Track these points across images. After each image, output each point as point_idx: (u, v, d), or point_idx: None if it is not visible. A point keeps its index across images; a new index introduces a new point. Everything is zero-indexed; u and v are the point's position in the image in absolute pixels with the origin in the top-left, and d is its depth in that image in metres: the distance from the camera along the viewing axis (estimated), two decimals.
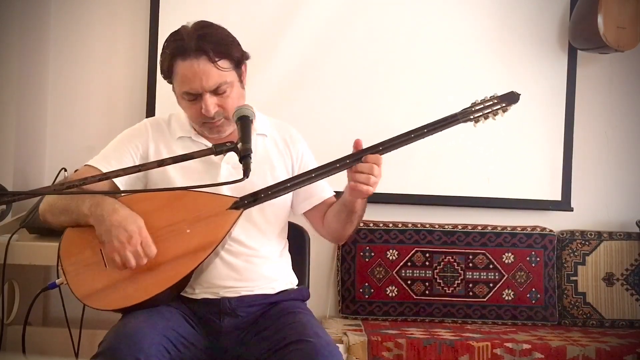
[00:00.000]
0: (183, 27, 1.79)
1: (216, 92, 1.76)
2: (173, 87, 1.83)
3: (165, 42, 1.81)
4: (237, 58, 1.80)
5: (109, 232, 1.63)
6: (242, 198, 1.72)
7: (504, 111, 1.84)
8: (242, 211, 1.72)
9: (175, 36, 1.78)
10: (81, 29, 3.03)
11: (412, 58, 3.06)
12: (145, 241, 1.64)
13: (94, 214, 1.66)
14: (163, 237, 1.67)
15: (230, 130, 1.84)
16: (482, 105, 1.83)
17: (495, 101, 1.84)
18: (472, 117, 1.82)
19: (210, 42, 1.74)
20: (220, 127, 1.82)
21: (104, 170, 1.75)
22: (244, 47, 1.86)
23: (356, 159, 1.70)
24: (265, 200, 1.74)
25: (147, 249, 1.64)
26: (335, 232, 1.91)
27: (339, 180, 1.84)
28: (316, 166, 1.93)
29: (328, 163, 1.74)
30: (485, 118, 1.83)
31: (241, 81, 1.84)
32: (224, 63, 1.76)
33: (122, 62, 3.05)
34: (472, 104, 1.84)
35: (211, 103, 1.76)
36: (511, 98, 1.84)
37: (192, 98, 1.77)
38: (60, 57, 3.02)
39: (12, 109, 2.70)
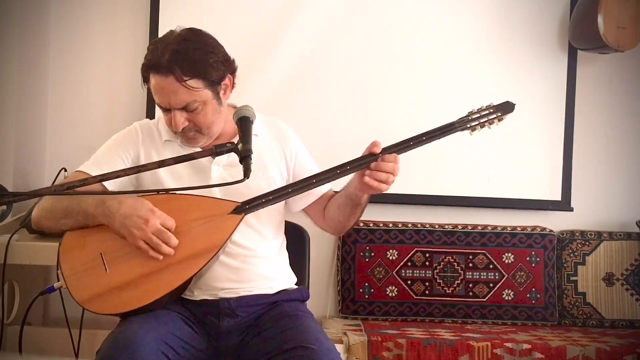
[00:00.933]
0: (168, 32, 1.77)
1: (185, 109, 1.74)
2: None
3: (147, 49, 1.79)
4: (214, 78, 1.75)
5: (124, 225, 1.63)
6: (244, 203, 1.72)
7: (499, 120, 1.87)
8: (244, 216, 1.71)
9: (153, 46, 1.76)
10: (81, 29, 3.03)
11: (412, 58, 3.06)
12: (162, 217, 1.64)
13: (102, 213, 1.66)
14: None
15: (205, 142, 1.81)
16: (478, 115, 1.85)
17: (491, 110, 1.86)
18: (468, 125, 1.84)
19: (181, 61, 1.69)
20: (192, 139, 1.80)
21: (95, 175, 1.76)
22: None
23: (360, 164, 1.71)
24: (268, 205, 1.73)
25: (167, 223, 1.64)
26: (338, 225, 1.92)
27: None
28: (311, 161, 1.95)
29: (328, 170, 1.75)
30: (481, 127, 1.85)
31: (219, 98, 1.79)
32: (194, 82, 1.71)
33: (122, 62, 3.04)
34: (469, 112, 1.86)
35: (180, 119, 1.74)
36: (506, 108, 1.87)
37: (164, 109, 1.76)
38: (60, 57, 3.02)
39: (12, 109, 2.70)
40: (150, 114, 2.93)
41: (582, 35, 2.96)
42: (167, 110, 1.76)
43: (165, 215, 1.65)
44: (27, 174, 2.85)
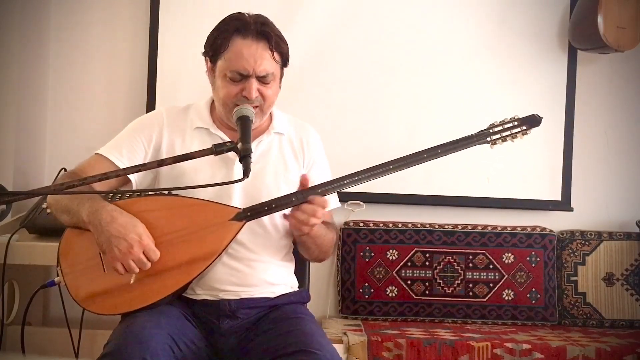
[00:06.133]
0: (243, 13, 1.81)
1: (261, 79, 1.75)
2: (213, 64, 1.80)
3: (222, 21, 1.81)
4: (286, 58, 1.82)
5: (108, 241, 1.62)
6: (245, 210, 1.71)
7: (524, 134, 1.79)
8: (244, 223, 1.71)
9: (238, 16, 1.79)
10: (81, 28, 3.03)
11: (411, 59, 3.06)
12: (147, 248, 1.63)
13: (92, 222, 1.65)
14: (163, 245, 1.66)
15: (256, 123, 1.79)
16: (500, 127, 1.78)
17: (516, 123, 1.78)
18: (489, 139, 1.78)
19: (272, 32, 1.77)
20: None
21: (114, 160, 1.77)
22: None
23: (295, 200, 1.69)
24: (269, 214, 1.72)
25: (150, 255, 1.63)
26: (305, 256, 1.91)
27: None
28: (323, 177, 1.89)
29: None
30: (504, 141, 1.79)
31: (280, 81, 1.84)
32: (277, 56, 1.78)
33: (122, 62, 3.04)
34: (490, 125, 1.79)
35: (254, 88, 1.75)
36: (533, 121, 1.78)
37: (237, 78, 1.75)
38: (61, 57, 3.02)
39: (12, 109, 2.70)
40: None
41: (582, 35, 2.96)
42: (238, 80, 1.75)
43: (151, 246, 1.63)
44: (27, 174, 2.85)
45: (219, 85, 1.79)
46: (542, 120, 1.80)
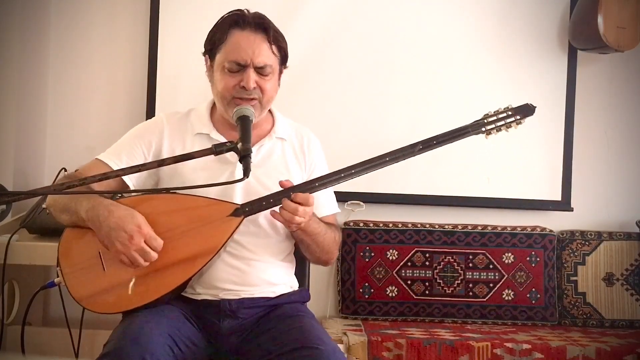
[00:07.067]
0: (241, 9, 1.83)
1: (260, 71, 1.76)
2: (212, 60, 1.81)
3: (220, 19, 1.83)
4: (284, 54, 1.83)
5: (108, 235, 1.62)
6: (243, 205, 1.71)
7: (517, 124, 1.80)
8: (243, 219, 1.71)
9: (235, 12, 1.81)
10: (81, 29, 3.03)
11: (411, 58, 3.06)
12: (148, 236, 1.63)
13: (91, 218, 1.65)
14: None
15: (256, 118, 1.78)
16: (495, 117, 1.78)
17: (510, 113, 1.79)
18: (483, 129, 1.79)
19: (270, 25, 1.79)
20: (253, 107, 1.77)
21: (114, 166, 1.76)
22: None
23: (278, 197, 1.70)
24: (267, 208, 1.72)
25: (152, 243, 1.63)
26: (307, 256, 1.91)
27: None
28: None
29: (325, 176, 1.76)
30: (498, 130, 1.79)
31: (279, 78, 1.85)
32: (275, 49, 1.79)
33: (122, 62, 3.04)
34: (485, 115, 1.80)
35: (252, 78, 1.75)
36: (527, 110, 1.79)
37: (235, 69, 1.76)
38: (61, 57, 3.02)
39: (12, 109, 2.70)
40: (150, 114, 2.93)
41: (582, 35, 2.96)
42: (237, 71, 1.76)
43: (151, 234, 1.63)
44: (27, 174, 2.85)
45: (217, 79, 1.80)
46: (536, 109, 1.82)
